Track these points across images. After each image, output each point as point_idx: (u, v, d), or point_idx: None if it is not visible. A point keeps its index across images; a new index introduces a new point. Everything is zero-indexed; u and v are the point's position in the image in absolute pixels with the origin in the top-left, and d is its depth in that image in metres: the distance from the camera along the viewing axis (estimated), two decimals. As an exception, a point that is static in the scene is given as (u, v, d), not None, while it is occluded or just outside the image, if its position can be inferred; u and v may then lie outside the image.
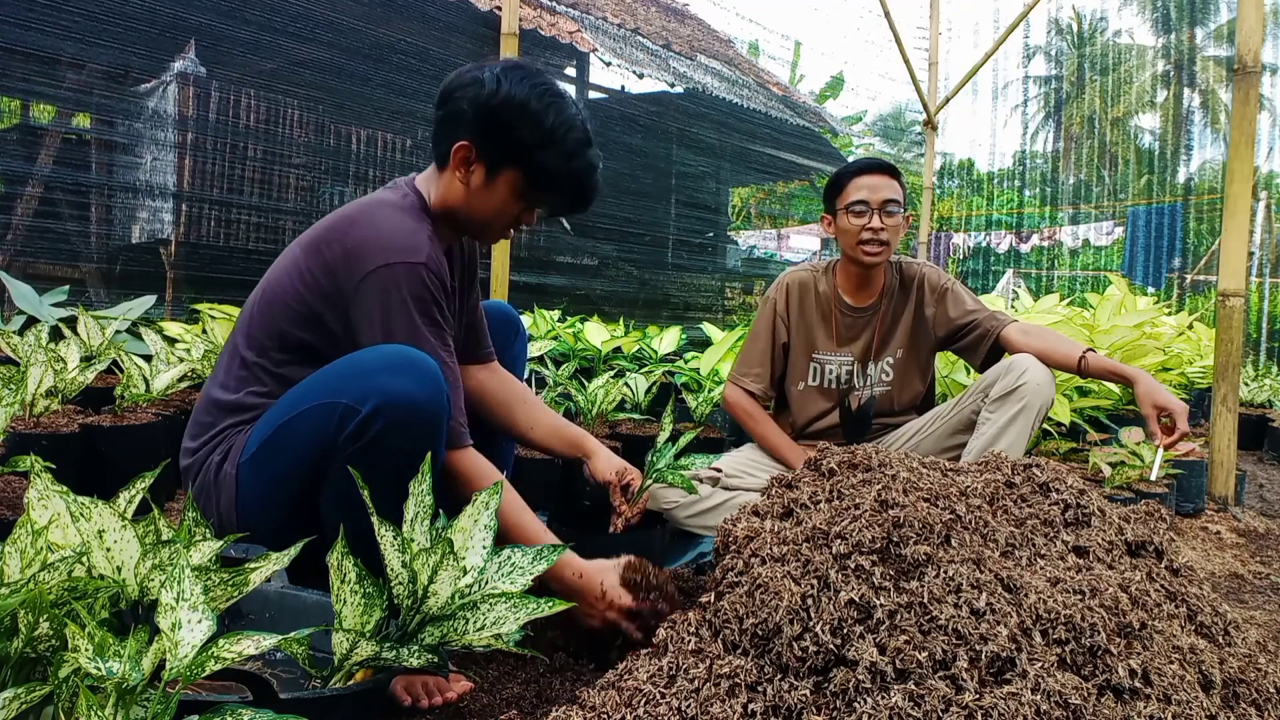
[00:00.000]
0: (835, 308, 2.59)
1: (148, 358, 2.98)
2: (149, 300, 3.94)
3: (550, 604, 1.14)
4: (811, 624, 1.14)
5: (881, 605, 1.14)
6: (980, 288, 15.15)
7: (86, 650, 0.82)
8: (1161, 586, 1.28)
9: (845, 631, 1.13)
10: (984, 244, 16.48)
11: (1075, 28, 30.79)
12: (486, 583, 1.22)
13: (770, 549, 1.29)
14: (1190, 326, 5.50)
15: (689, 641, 1.22)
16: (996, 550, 1.28)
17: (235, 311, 3.57)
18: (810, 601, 1.17)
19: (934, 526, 1.25)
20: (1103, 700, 1.05)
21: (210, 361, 3.08)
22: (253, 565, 1.10)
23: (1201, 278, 13.58)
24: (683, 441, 2.06)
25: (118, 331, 3.41)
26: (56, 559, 0.95)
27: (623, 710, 1.12)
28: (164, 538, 1.12)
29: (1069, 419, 3.27)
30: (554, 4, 8.15)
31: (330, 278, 1.55)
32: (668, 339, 4.33)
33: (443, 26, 6.81)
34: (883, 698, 1.05)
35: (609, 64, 8.01)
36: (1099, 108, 27.94)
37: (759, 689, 1.12)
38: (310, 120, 6.38)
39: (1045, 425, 2.89)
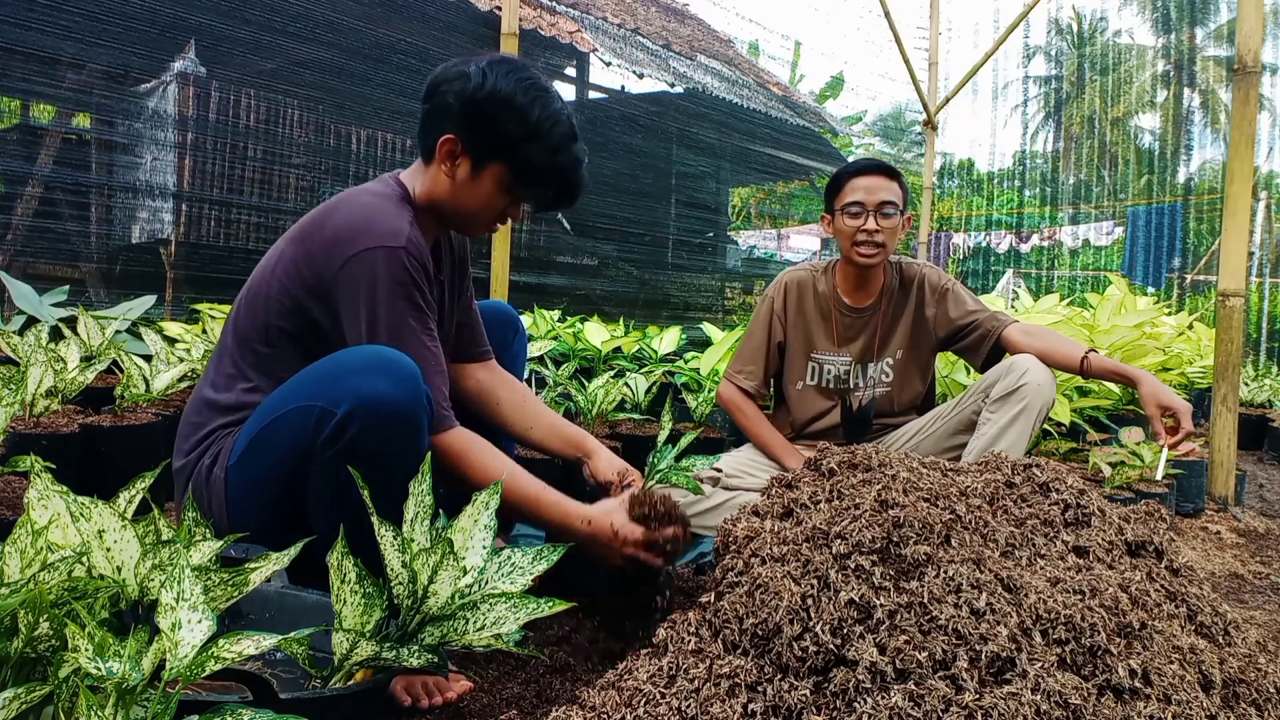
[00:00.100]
0: (834, 308, 2.59)
1: (148, 358, 2.98)
2: (149, 300, 3.93)
3: (550, 604, 1.14)
4: (811, 624, 1.14)
5: (881, 605, 1.14)
6: (980, 288, 15.15)
7: (86, 650, 0.82)
8: (1161, 586, 1.28)
9: (845, 631, 1.13)
10: (984, 244, 16.48)
11: (1075, 28, 30.79)
12: (486, 583, 1.22)
13: (770, 549, 1.29)
14: (1190, 326, 5.49)
15: (689, 641, 1.22)
16: (996, 550, 1.28)
17: (235, 311, 3.57)
18: (810, 601, 1.17)
19: (934, 526, 1.25)
20: (1103, 700, 1.05)
21: (210, 361, 3.08)
22: (253, 565, 1.10)
23: (1201, 278, 13.59)
24: (684, 442, 2.06)
25: (118, 331, 3.41)
26: (56, 559, 0.95)
27: (623, 710, 1.12)
28: (164, 538, 1.12)
29: (1069, 419, 3.27)
30: (554, 4, 8.14)
31: (312, 267, 1.56)
32: (668, 339, 4.33)
33: (443, 26, 6.81)
34: (883, 698, 1.05)
35: (609, 64, 8.01)
36: (1099, 108, 27.95)
37: (759, 689, 1.12)
38: (310, 120, 6.38)
39: (1045, 425, 2.89)
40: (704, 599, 1.31)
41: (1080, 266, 17.33)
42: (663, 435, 2.02)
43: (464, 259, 1.92)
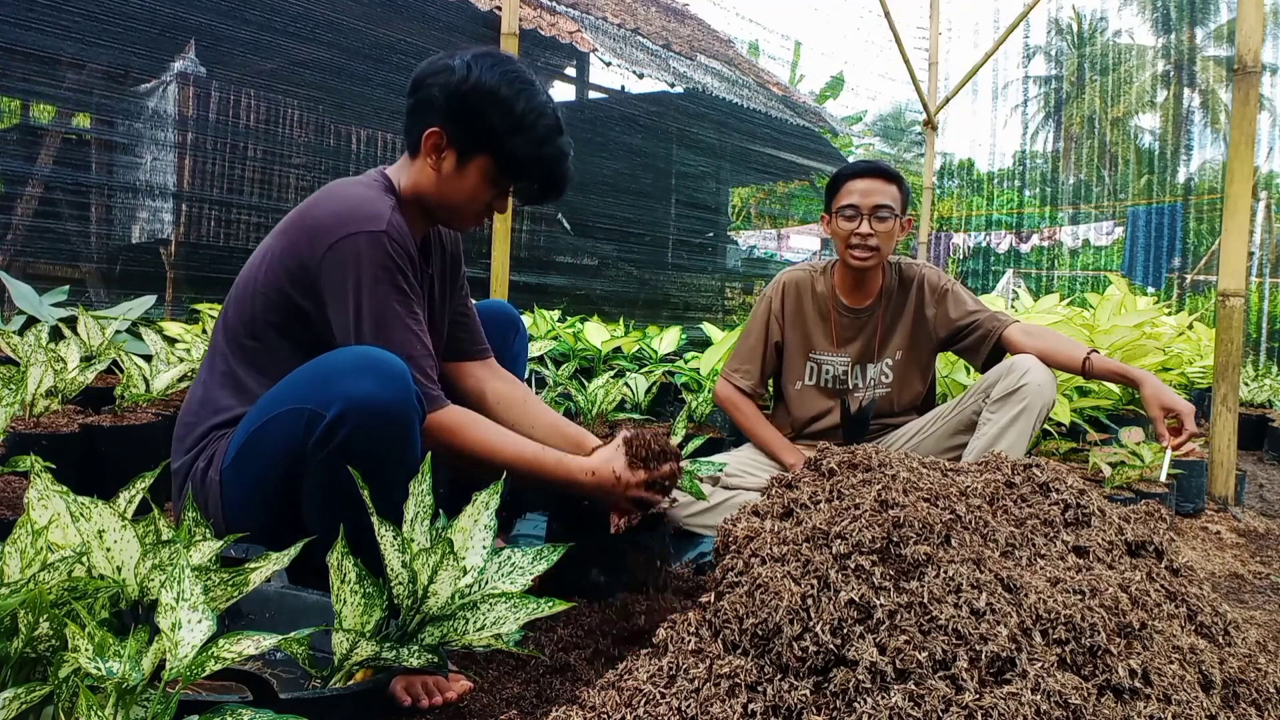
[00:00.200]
0: (833, 308, 2.58)
1: (148, 358, 2.98)
2: (149, 300, 3.94)
3: (550, 604, 1.14)
4: (811, 624, 1.14)
5: (881, 605, 1.14)
6: (980, 288, 15.15)
7: (86, 650, 0.82)
8: (1161, 586, 1.28)
9: (845, 631, 1.13)
10: (984, 244, 16.48)
11: (1075, 28, 30.79)
12: (486, 583, 1.22)
13: (770, 549, 1.29)
14: (1190, 326, 5.49)
15: (689, 641, 1.22)
16: (996, 550, 1.28)
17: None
18: (810, 601, 1.17)
19: (934, 526, 1.25)
20: (1103, 700, 1.05)
21: (210, 361, 3.08)
22: (252, 565, 1.10)
23: (1201, 278, 13.58)
24: (691, 447, 2.06)
25: (118, 331, 3.41)
26: (56, 559, 0.95)
27: (623, 710, 1.12)
28: (164, 538, 1.12)
29: (1069, 419, 3.27)
30: (554, 4, 8.14)
31: (296, 258, 1.56)
32: (668, 339, 4.33)
33: (443, 26, 6.81)
34: (883, 698, 1.05)
35: (609, 64, 8.01)
36: (1099, 108, 27.95)
37: (759, 689, 1.12)
38: (310, 120, 6.38)
39: (1045, 425, 2.89)
40: (704, 599, 1.31)
41: (1080, 266, 17.33)
42: (675, 440, 2.02)
43: (457, 256, 1.92)
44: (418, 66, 1.67)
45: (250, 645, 0.89)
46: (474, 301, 2.03)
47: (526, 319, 4.36)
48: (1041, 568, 1.26)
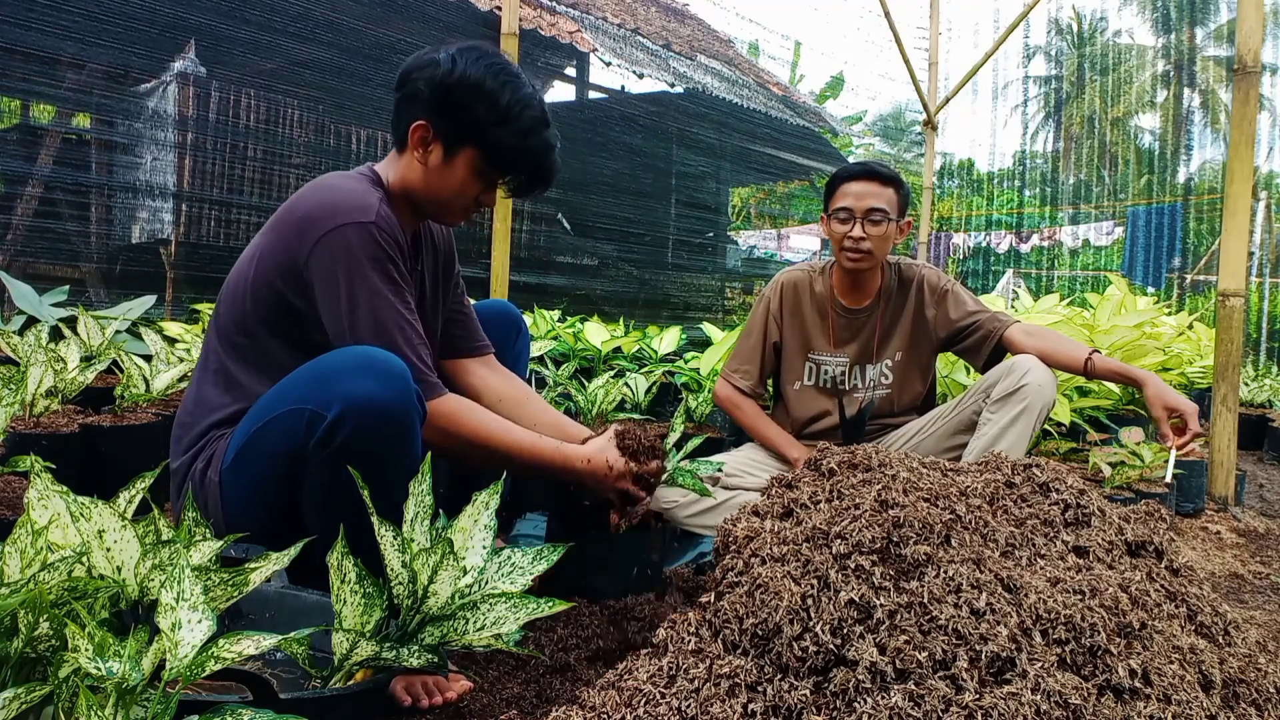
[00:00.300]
0: (831, 309, 2.58)
1: (148, 358, 2.99)
2: (149, 300, 3.94)
3: (550, 604, 1.14)
4: (811, 624, 1.14)
5: (881, 605, 1.14)
6: (980, 288, 15.15)
7: (86, 650, 0.82)
8: (1161, 586, 1.28)
9: (845, 631, 1.13)
10: (984, 244, 16.48)
11: (1075, 28, 30.79)
12: (486, 583, 1.22)
13: (770, 549, 1.29)
14: (1190, 326, 5.49)
15: (689, 641, 1.22)
16: (996, 550, 1.28)
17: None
18: (810, 601, 1.17)
19: (934, 526, 1.25)
20: (1103, 700, 1.05)
21: (210, 361, 3.08)
22: (253, 565, 1.10)
23: (1201, 278, 13.58)
24: (690, 446, 2.06)
25: (118, 331, 3.41)
26: (56, 559, 0.95)
27: (623, 710, 1.12)
28: (164, 538, 1.12)
29: (1069, 419, 3.27)
30: (554, 4, 8.14)
31: (286, 252, 1.56)
32: (668, 339, 4.33)
33: (443, 27, 6.81)
34: (883, 698, 1.05)
35: (609, 64, 8.01)
36: (1099, 108, 27.95)
37: (759, 689, 1.12)
38: (310, 120, 6.38)
39: (1045, 425, 2.89)
40: (704, 599, 1.31)
41: (1080, 266, 17.32)
42: (673, 437, 2.02)
43: (450, 254, 1.92)
44: (405, 61, 1.67)
45: (250, 645, 0.89)
46: (476, 301, 2.03)
47: (526, 319, 4.36)
48: (1041, 568, 1.26)
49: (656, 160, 9.64)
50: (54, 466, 1.19)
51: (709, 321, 6.79)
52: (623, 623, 1.75)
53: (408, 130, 1.63)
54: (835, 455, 1.55)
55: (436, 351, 1.85)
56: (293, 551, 1.13)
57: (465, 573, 1.20)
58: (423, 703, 1.38)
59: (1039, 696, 1.02)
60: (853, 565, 1.20)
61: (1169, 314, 5.82)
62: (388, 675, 1.18)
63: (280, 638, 0.94)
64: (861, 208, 2.40)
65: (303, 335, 1.58)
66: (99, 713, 0.80)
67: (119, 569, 1.04)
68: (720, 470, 2.22)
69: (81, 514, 1.02)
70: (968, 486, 1.41)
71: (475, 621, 1.14)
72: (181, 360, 3.00)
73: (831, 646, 1.12)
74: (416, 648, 1.12)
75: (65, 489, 1.07)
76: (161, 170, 5.75)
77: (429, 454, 1.27)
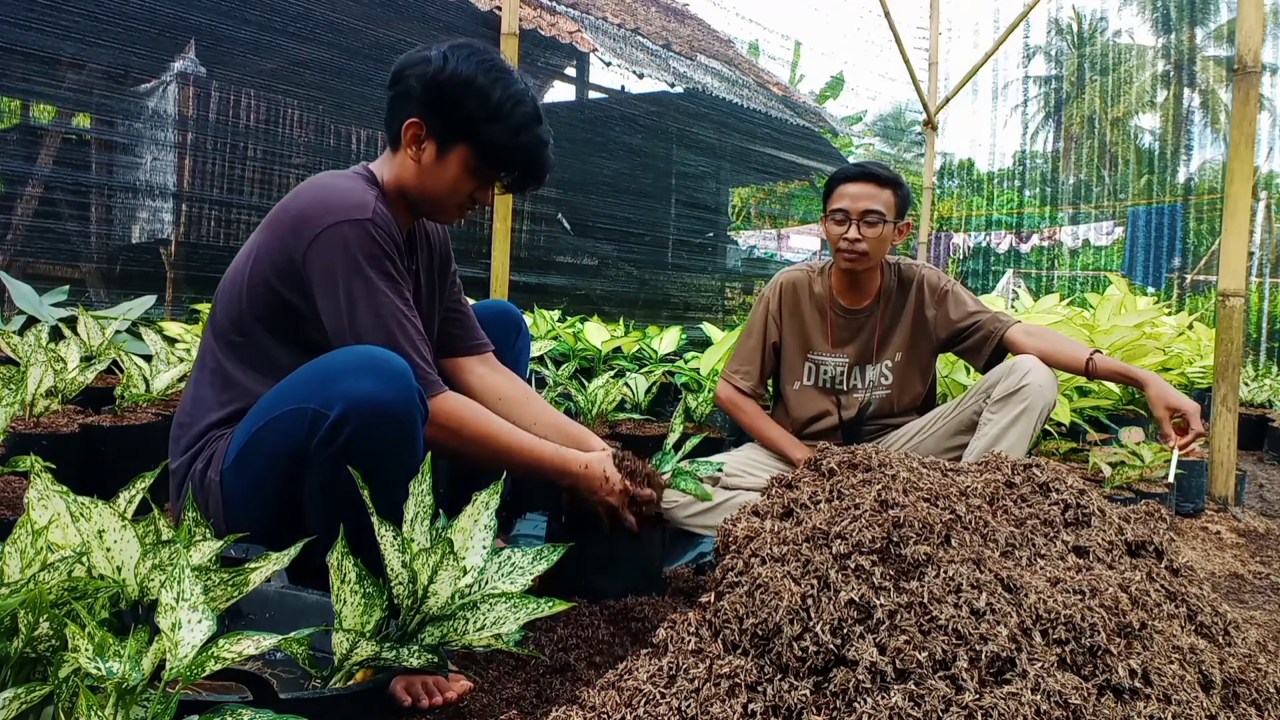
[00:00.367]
0: (830, 309, 2.58)
1: (148, 358, 2.99)
2: (149, 300, 3.94)
3: (550, 604, 1.14)
4: (811, 624, 1.14)
5: (881, 605, 1.14)
6: (980, 288, 15.15)
7: (86, 650, 0.82)
8: (1161, 586, 1.28)
9: (845, 631, 1.13)
10: (984, 244, 16.48)
11: (1075, 28, 30.79)
12: (486, 583, 1.22)
13: (770, 549, 1.29)
14: (1190, 326, 5.49)
15: (689, 641, 1.22)
16: (996, 550, 1.28)
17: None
18: (810, 601, 1.17)
19: (934, 526, 1.25)
20: (1103, 700, 1.05)
21: (210, 361, 3.08)
22: (253, 565, 1.10)
23: (1201, 278, 13.58)
24: (689, 446, 2.06)
25: (118, 331, 3.41)
26: (56, 559, 0.95)
27: (623, 710, 1.12)
28: (164, 538, 1.12)
29: (1069, 419, 3.27)
30: (554, 4, 8.14)
31: (282, 250, 1.56)
32: (668, 339, 4.33)
33: (442, 27, 6.81)
34: (883, 698, 1.05)
35: (609, 64, 8.01)
36: (1099, 108, 27.95)
37: (759, 689, 1.12)
38: (310, 120, 6.38)
39: (1046, 425, 2.89)
40: (704, 599, 1.31)
41: (1080, 266, 17.32)
42: (673, 437, 2.02)
43: (446, 253, 1.92)
44: (397, 59, 1.67)
45: (250, 645, 0.89)
46: (476, 301, 2.03)
47: (527, 319, 4.36)
48: (1041, 568, 1.26)
49: (656, 160, 9.64)
50: (54, 466, 1.19)
51: (709, 321, 6.78)
52: (623, 623, 1.75)
53: (401, 128, 1.63)
54: (835, 455, 1.55)
55: (434, 350, 1.85)
56: (293, 551, 1.13)
57: (465, 573, 1.20)
58: (423, 703, 1.38)
59: (1039, 696, 1.02)
60: (853, 565, 1.20)
61: (1169, 314, 5.82)
62: (388, 675, 1.18)
63: (280, 638, 0.94)
64: (857, 209, 2.40)
65: (299, 333, 1.58)
66: (99, 713, 0.80)
67: (119, 569, 1.04)
68: (720, 471, 2.22)
69: (81, 514, 1.02)
70: (968, 486, 1.41)
71: (475, 621, 1.14)
72: (181, 360, 2.99)
73: (831, 646, 1.12)
74: (416, 648, 1.12)
75: (65, 489, 1.06)
76: (161, 170, 5.76)
77: (429, 454, 1.27)
